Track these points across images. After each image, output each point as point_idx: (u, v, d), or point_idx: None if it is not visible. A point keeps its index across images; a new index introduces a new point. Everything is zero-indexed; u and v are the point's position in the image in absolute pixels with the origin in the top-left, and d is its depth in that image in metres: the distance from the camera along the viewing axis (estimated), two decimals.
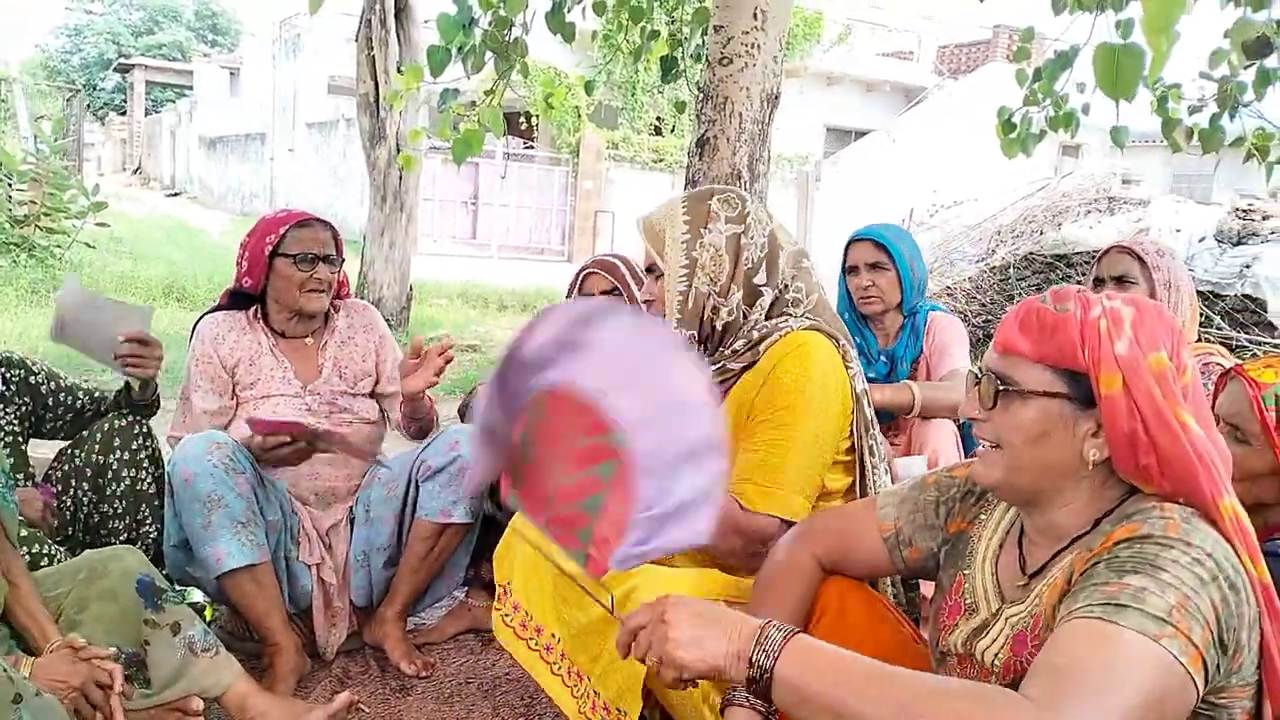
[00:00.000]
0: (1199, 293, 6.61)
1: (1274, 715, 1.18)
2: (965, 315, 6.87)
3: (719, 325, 1.79)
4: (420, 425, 2.54)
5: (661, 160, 16.19)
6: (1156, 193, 8.79)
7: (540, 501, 1.38)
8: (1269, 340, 6.06)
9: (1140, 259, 2.49)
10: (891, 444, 2.70)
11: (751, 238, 1.80)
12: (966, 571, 1.39)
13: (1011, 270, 7.06)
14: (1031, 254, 7.08)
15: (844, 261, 2.81)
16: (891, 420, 2.69)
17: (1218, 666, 1.10)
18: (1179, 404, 1.20)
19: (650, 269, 1.86)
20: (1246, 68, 3.88)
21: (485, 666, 2.46)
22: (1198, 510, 1.18)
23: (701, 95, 3.62)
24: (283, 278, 2.41)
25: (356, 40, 7.67)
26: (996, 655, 1.28)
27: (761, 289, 1.80)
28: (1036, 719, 0.99)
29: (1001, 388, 1.26)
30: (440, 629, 2.64)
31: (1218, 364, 2.34)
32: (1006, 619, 1.29)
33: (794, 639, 1.14)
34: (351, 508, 2.50)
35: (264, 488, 2.29)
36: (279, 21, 20.38)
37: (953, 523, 1.45)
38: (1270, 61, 3.95)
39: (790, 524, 1.64)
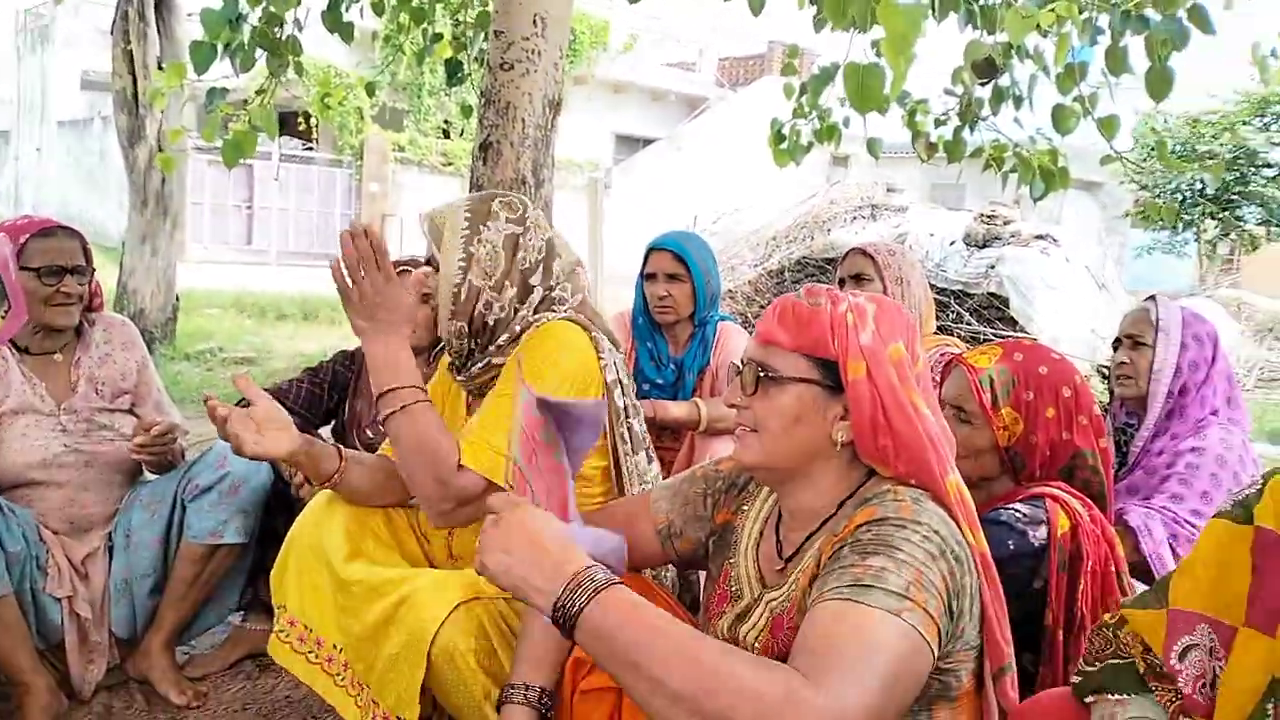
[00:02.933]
0: (951, 292, 7.22)
1: (991, 672, 1.31)
2: (745, 317, 7.21)
3: (490, 320, 1.79)
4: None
5: (451, 164, 15.95)
6: (915, 201, 9.51)
7: None
8: (1012, 334, 6.69)
9: (873, 258, 2.71)
10: (671, 450, 2.79)
11: (530, 239, 1.81)
12: (732, 560, 1.46)
13: (787, 273, 7.48)
14: (804, 258, 7.52)
15: (643, 267, 2.86)
16: (675, 433, 2.79)
17: (949, 633, 1.20)
18: (914, 390, 1.32)
19: (429, 262, 1.86)
20: (981, 84, 4.25)
21: (264, 691, 2.35)
22: (927, 489, 1.30)
23: (484, 100, 3.61)
24: (26, 292, 2.21)
25: (112, 33, 7.12)
26: (757, 639, 1.35)
27: (534, 288, 1.81)
28: (805, 690, 1.04)
29: (762, 375, 1.34)
30: (217, 656, 2.50)
31: (951, 353, 2.56)
32: (766, 604, 1.36)
33: (611, 587, 1.13)
34: (110, 534, 2.32)
35: (3, 516, 2.09)
36: (22, 10, 18.57)
37: (719, 514, 1.52)
38: (1004, 80, 4.35)
39: (498, 488, 1.60)
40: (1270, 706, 1.03)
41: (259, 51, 3.88)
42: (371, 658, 1.61)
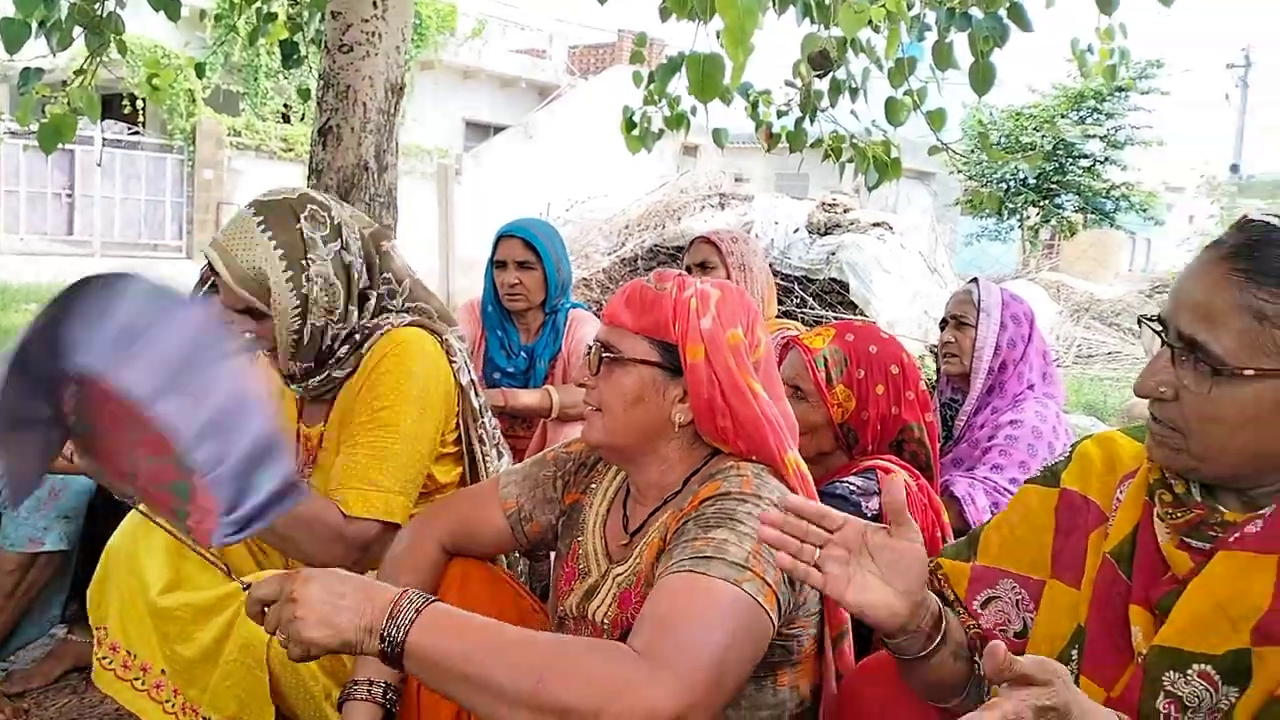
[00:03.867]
0: (795, 278, 7.46)
1: (831, 636, 1.38)
2: (600, 304, 7.25)
3: (332, 343, 1.70)
4: None
5: (292, 149, 15.34)
6: (762, 190, 9.78)
7: (121, 475, 1.24)
8: (853, 317, 6.99)
9: (717, 246, 2.78)
10: (524, 439, 2.79)
11: (351, 247, 1.69)
12: (580, 538, 1.48)
13: (640, 261, 7.57)
14: (656, 245, 7.62)
15: (493, 254, 2.83)
16: (527, 421, 2.79)
17: (789, 602, 1.25)
18: (750, 374, 1.36)
19: (248, 311, 1.64)
20: (819, 77, 4.39)
21: (90, 705, 2.22)
22: (767, 466, 1.34)
23: (322, 83, 3.49)
24: None
25: None
26: (605, 614, 1.37)
27: (367, 293, 1.74)
28: (640, 665, 1.06)
29: (606, 355, 1.36)
30: (38, 671, 2.34)
31: (790, 336, 2.67)
32: (613, 578, 1.39)
33: (429, 608, 1.12)
34: None
35: None
36: None
37: (569, 494, 1.54)
38: (840, 73, 4.52)
39: (393, 526, 1.61)
40: (1074, 651, 1.11)
41: (77, 29, 3.64)
42: (205, 680, 1.55)
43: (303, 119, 15.72)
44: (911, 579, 1.08)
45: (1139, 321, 1.19)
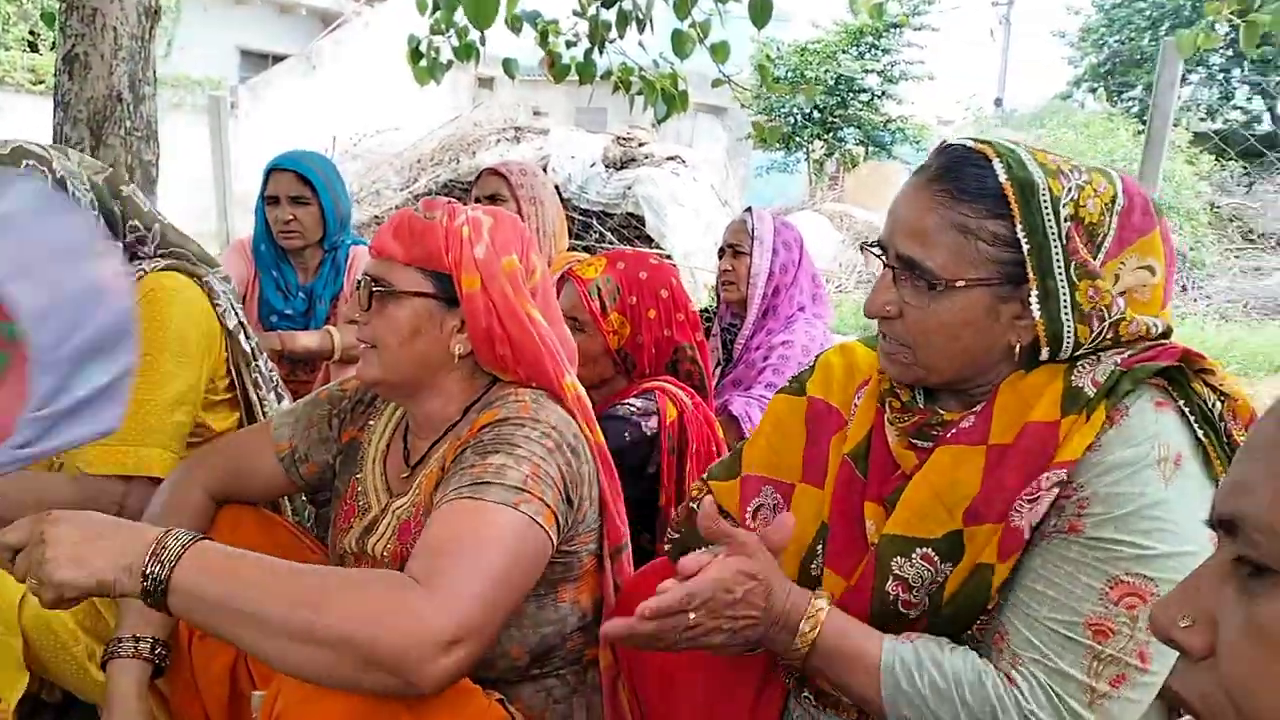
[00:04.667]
0: (594, 212, 7.51)
1: (609, 550, 1.43)
2: None
3: None
4: None
5: (41, 81, 13.87)
6: (559, 124, 9.70)
7: None
8: (651, 251, 7.12)
9: (507, 179, 2.77)
10: (306, 384, 2.70)
11: (80, 203, 1.57)
12: (358, 475, 1.46)
13: (435, 197, 7.37)
14: (451, 181, 7.45)
15: (263, 189, 2.69)
16: (309, 363, 2.70)
17: (567, 520, 1.29)
18: (528, 301, 1.37)
19: None
20: (605, 7, 4.38)
21: None
22: (546, 391, 1.37)
23: (64, 6, 3.19)
24: None
25: None
26: (385, 548, 1.36)
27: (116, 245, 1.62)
28: (417, 591, 1.06)
29: (377, 289, 1.33)
30: None
31: (567, 269, 2.70)
32: (393, 512, 1.38)
33: (196, 544, 1.07)
34: None
35: None
36: None
37: (345, 432, 1.52)
38: (626, 4, 4.52)
39: (150, 480, 1.55)
40: (820, 547, 1.21)
41: None
42: None
43: (52, 47, 14.23)
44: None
45: (862, 248, 1.28)
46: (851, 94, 15.01)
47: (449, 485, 1.22)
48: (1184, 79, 14.81)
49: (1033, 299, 1.06)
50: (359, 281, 1.38)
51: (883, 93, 15.24)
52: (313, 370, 2.72)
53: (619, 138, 7.79)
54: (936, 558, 1.08)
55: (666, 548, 1.41)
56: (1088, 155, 10.12)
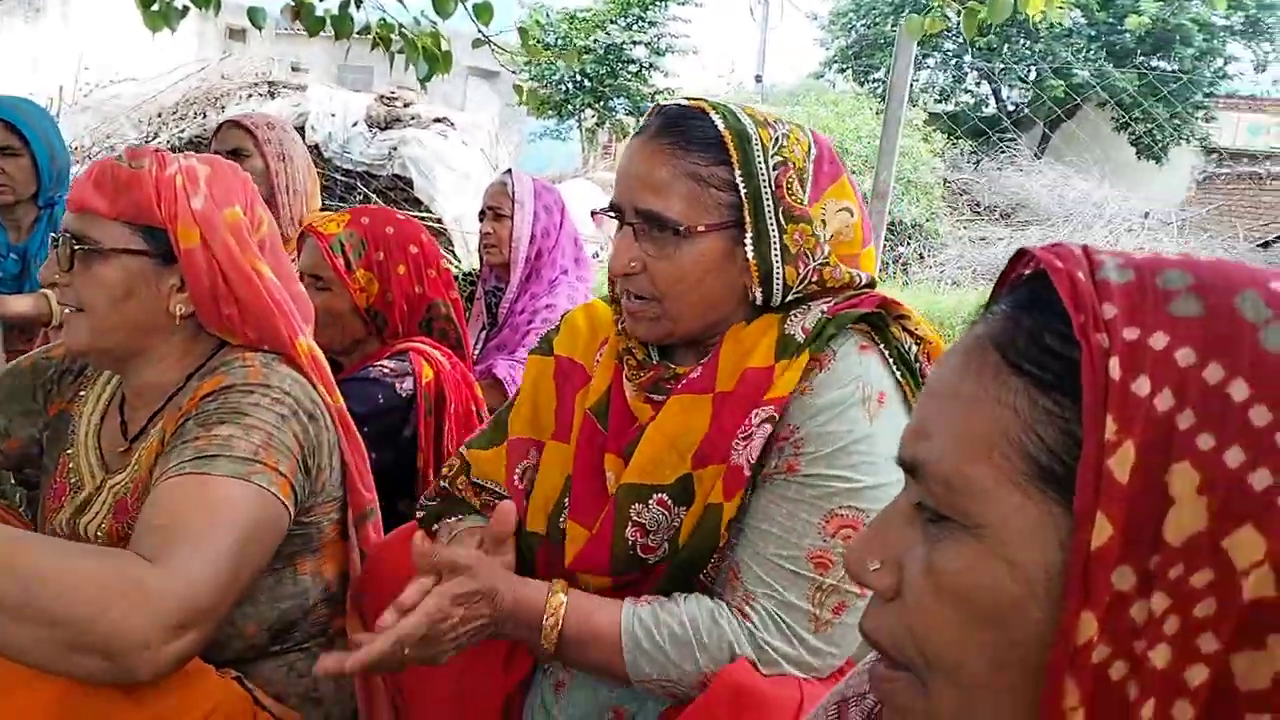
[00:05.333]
0: (357, 173, 7.21)
1: (354, 518, 1.38)
2: None
3: None
4: None
5: None
6: (321, 81, 9.20)
7: None
8: (418, 214, 6.91)
9: (252, 133, 2.60)
10: (21, 353, 2.44)
11: None
12: (69, 450, 1.34)
13: (179, 154, 6.82)
14: (197, 137, 6.93)
15: None
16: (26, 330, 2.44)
17: (305, 490, 1.23)
18: (255, 256, 1.28)
19: None
20: None
21: None
22: (280, 354, 1.29)
23: None
24: None
25: None
26: (100, 527, 1.26)
27: None
28: (140, 570, 0.99)
29: (79, 248, 1.21)
30: None
31: (307, 225, 2.58)
32: (109, 489, 1.28)
33: None
34: None
35: None
36: None
37: (53, 404, 1.38)
38: None
39: None
40: (566, 499, 1.22)
41: None
42: None
43: None
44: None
45: (592, 215, 1.31)
46: (621, 64, 15.18)
47: (170, 459, 1.13)
48: (921, 63, 15.97)
49: (748, 240, 1.12)
50: (54, 238, 1.24)
51: (650, 64, 15.50)
52: (29, 338, 2.46)
53: (383, 97, 7.49)
54: (670, 501, 1.12)
55: (420, 515, 1.38)
56: (837, 132, 10.76)
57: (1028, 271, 0.53)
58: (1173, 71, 15.09)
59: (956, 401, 0.50)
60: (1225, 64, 16.17)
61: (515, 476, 1.29)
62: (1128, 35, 14.81)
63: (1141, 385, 0.43)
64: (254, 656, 1.30)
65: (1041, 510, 0.46)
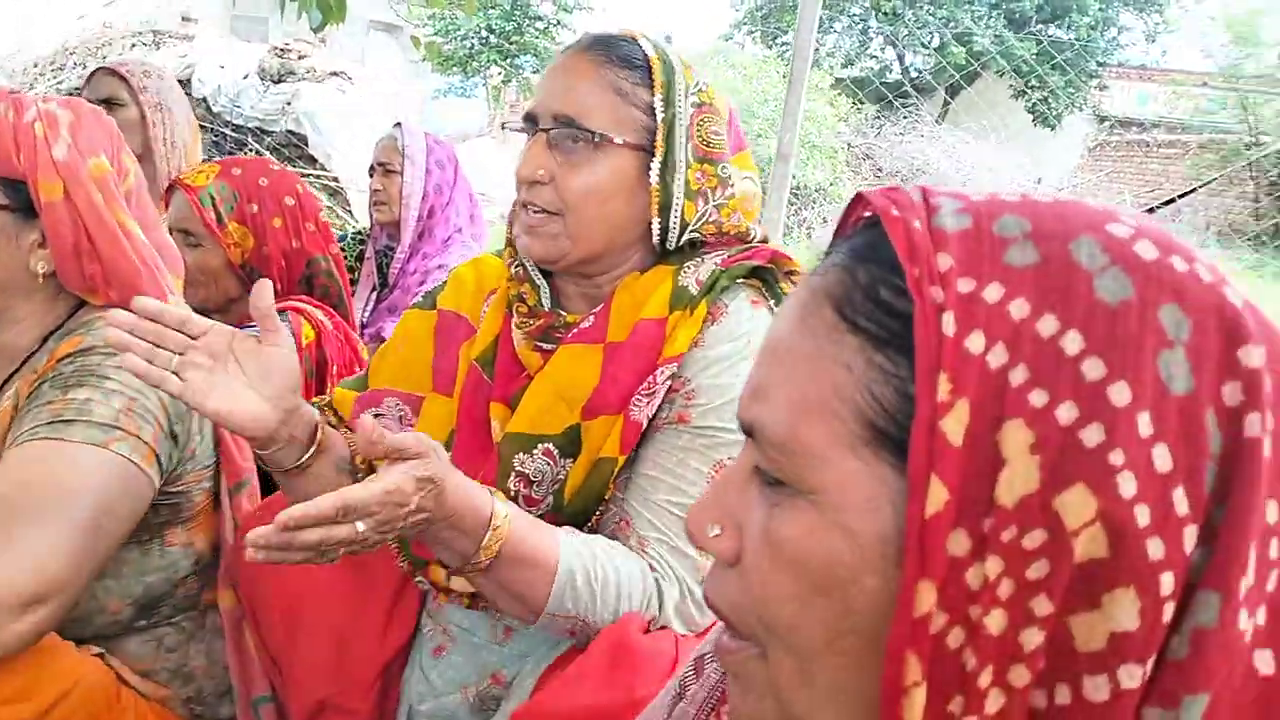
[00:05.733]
0: (249, 129, 6.92)
1: (228, 487, 1.33)
2: None
3: None
4: None
5: None
6: (213, 32, 8.79)
7: None
8: (314, 171, 6.68)
9: (126, 80, 2.45)
10: None
11: None
12: None
13: None
14: (76, 89, 6.54)
15: None
16: None
17: (171, 457, 1.18)
18: (121, 210, 1.21)
19: None
20: None
21: None
22: None
23: None
24: None
25: None
26: None
27: None
28: None
29: None
30: None
31: (174, 178, 2.47)
32: None
33: None
34: None
35: None
36: None
37: None
38: None
39: None
40: (449, 454, 1.17)
41: None
42: None
43: None
44: (281, 386, 1.02)
45: (502, 127, 1.29)
46: (528, 20, 14.90)
47: (23, 425, 1.08)
48: (829, 28, 16.07)
49: (654, 166, 1.12)
50: None
51: (558, 22, 15.26)
52: None
53: (276, 49, 7.19)
54: (556, 453, 1.12)
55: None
56: (744, 95, 10.79)
57: (867, 215, 0.50)
58: (1068, 40, 15.53)
59: (792, 360, 0.47)
60: (1118, 34, 16.71)
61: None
62: (1026, 3, 15.16)
63: (975, 341, 0.41)
64: (119, 632, 1.24)
65: (877, 475, 0.44)
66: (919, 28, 15.75)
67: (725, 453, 1.07)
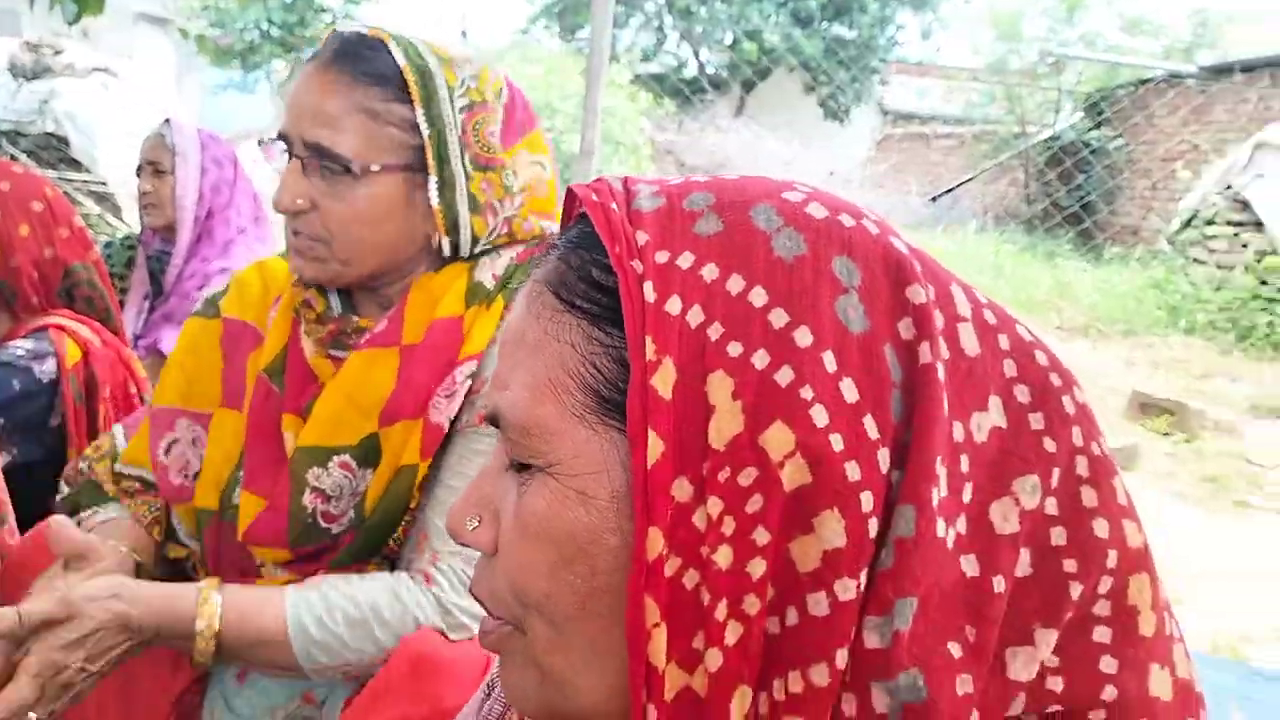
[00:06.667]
0: (1, 131, 6.28)
1: None
2: None
3: None
4: None
5: None
6: None
7: None
8: (79, 177, 6.14)
9: None
10: None
11: None
12: None
13: None
14: None
15: None
16: None
17: None
18: None
19: None
20: None
21: None
22: None
23: None
24: None
25: None
26: None
27: None
28: None
29: None
30: None
31: None
32: None
33: None
34: None
35: None
36: None
37: None
38: None
39: None
40: (240, 472, 1.13)
41: None
42: None
43: None
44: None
45: (260, 143, 1.22)
46: (312, 12, 14.25)
47: None
48: (625, 23, 16.30)
49: (432, 187, 1.06)
50: None
51: (346, 15, 14.69)
52: None
53: (29, 43, 6.56)
54: (354, 464, 1.07)
55: (59, 500, 1.25)
56: (544, 90, 10.75)
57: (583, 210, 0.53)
58: (852, 38, 16.39)
59: (522, 348, 0.50)
60: (897, 31, 17.78)
61: (160, 451, 1.18)
62: (812, 2, 15.87)
63: (674, 304, 0.45)
64: None
65: (605, 439, 0.47)
66: (712, 24, 16.22)
67: None
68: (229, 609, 0.99)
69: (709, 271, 0.45)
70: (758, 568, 0.43)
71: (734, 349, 0.44)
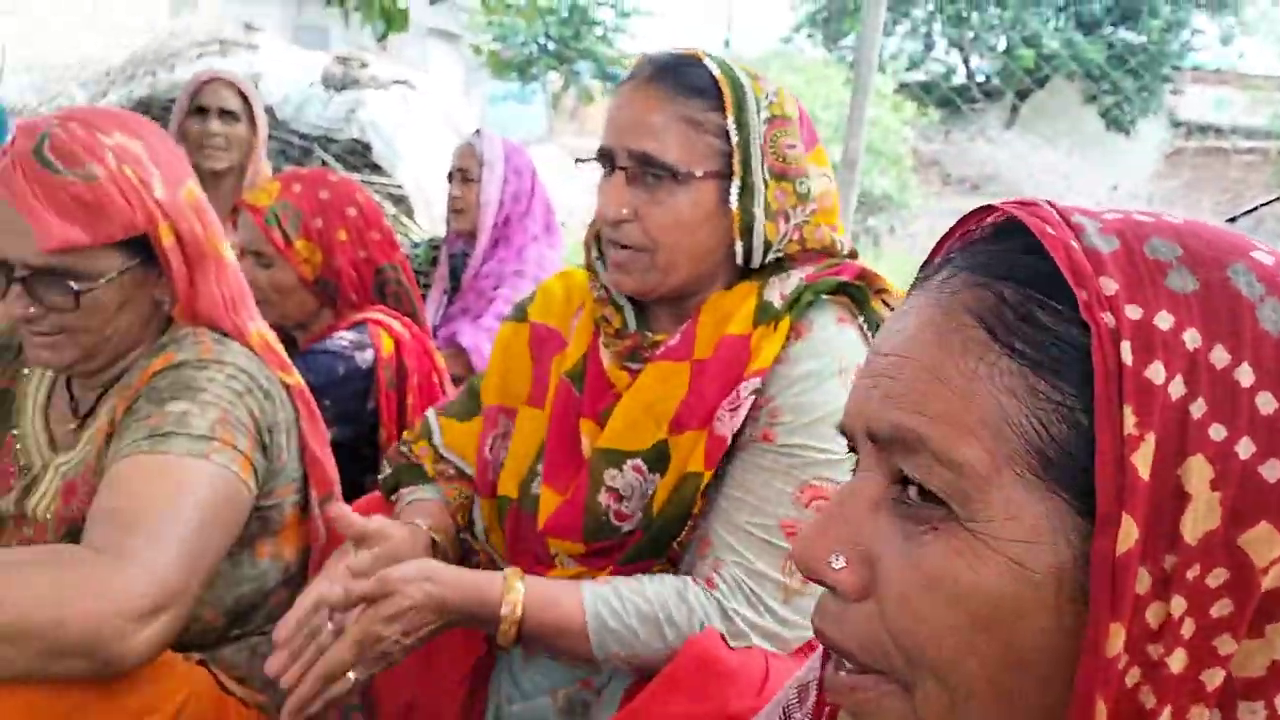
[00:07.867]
0: (314, 137, 6.99)
1: (318, 498, 1.31)
2: None
3: None
4: None
5: None
6: (276, 41, 8.91)
7: None
8: (379, 179, 6.72)
9: (244, 94, 2.48)
10: None
11: None
12: (16, 430, 1.27)
13: None
14: (147, 98, 6.67)
15: None
16: None
17: (264, 469, 1.18)
18: (216, 235, 1.22)
19: None
20: None
21: None
22: (229, 334, 1.23)
23: None
24: None
25: None
26: (48, 508, 1.19)
27: None
28: (100, 564, 0.96)
29: (75, 287, 1.10)
30: None
31: (239, 199, 2.48)
32: (57, 469, 1.21)
33: None
34: None
35: None
36: None
37: None
38: None
39: None
40: (540, 465, 1.20)
41: None
42: None
43: None
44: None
45: (577, 162, 1.27)
46: (585, 26, 14.91)
47: (123, 439, 1.09)
48: (891, 31, 15.88)
49: (733, 191, 1.10)
50: (18, 274, 1.10)
51: (616, 28, 15.25)
52: None
53: (339, 57, 7.26)
54: (645, 467, 1.12)
55: (381, 479, 1.36)
56: (806, 99, 10.65)
57: (987, 224, 0.49)
58: (1140, 44, 15.14)
59: (942, 377, 0.44)
60: (1191, 36, 16.25)
61: (486, 446, 1.28)
62: (1096, 6, 14.81)
63: (1155, 372, 0.40)
64: (214, 641, 1.25)
65: (1047, 506, 0.42)
66: (985, 30, 15.47)
67: (810, 473, 1.05)
68: (531, 597, 1.04)
69: (1190, 338, 0.40)
70: (1214, 678, 0.40)
71: (1216, 432, 0.39)
